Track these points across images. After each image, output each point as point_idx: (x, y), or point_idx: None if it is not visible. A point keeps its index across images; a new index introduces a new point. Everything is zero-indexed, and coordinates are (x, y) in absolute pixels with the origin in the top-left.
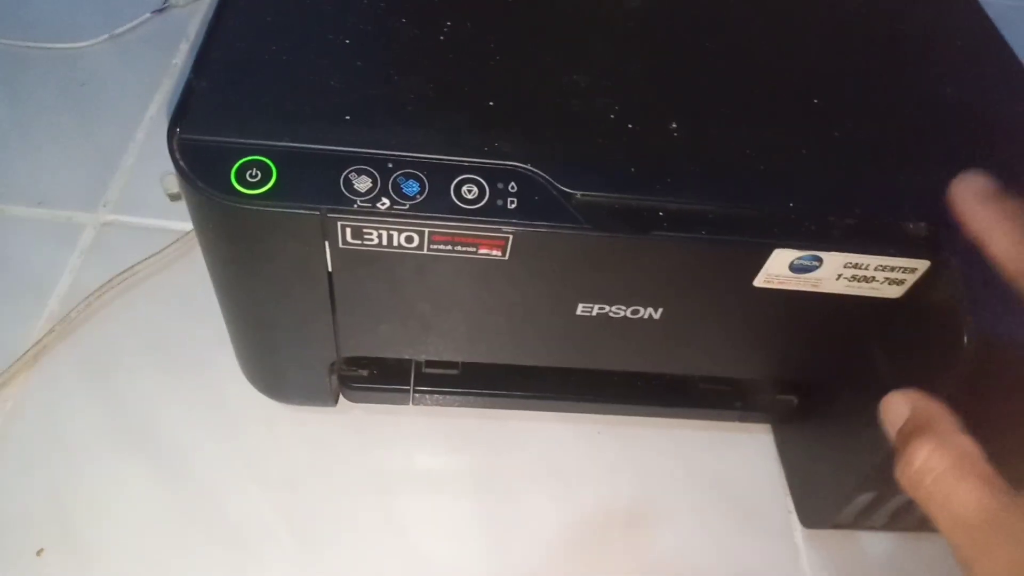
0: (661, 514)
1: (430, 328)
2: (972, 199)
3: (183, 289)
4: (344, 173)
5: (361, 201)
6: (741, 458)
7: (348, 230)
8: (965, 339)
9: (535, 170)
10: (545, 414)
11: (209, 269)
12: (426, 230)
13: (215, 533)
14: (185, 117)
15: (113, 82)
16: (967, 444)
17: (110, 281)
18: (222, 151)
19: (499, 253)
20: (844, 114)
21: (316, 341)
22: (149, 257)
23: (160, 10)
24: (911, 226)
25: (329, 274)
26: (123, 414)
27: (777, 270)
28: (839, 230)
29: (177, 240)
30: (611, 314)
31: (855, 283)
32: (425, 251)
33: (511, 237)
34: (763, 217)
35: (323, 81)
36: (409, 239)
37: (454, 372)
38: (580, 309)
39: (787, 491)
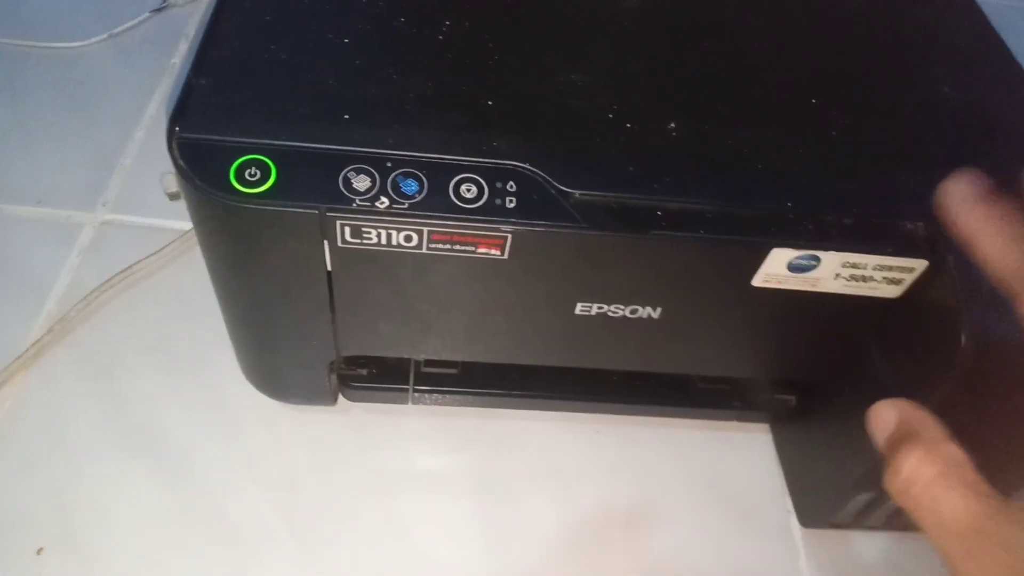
0: (660, 514)
1: (429, 327)
2: (961, 200)
3: (182, 288)
4: (343, 172)
5: (360, 200)
6: (740, 458)
7: (347, 229)
8: (963, 339)
9: (534, 169)
10: (544, 414)
11: (208, 268)
12: (425, 229)
13: (215, 532)
14: (184, 116)
15: (112, 81)
16: (955, 452)
17: (109, 280)
18: (221, 150)
19: (498, 252)
20: (842, 114)
21: (315, 340)
22: (148, 256)
23: (159, 9)
24: (909, 226)
25: (328, 273)
26: (122, 414)
27: (775, 270)
28: (837, 230)
29: (176, 239)
30: (610, 313)
31: (853, 283)
32: (424, 250)
33: (510, 236)
34: (761, 217)
35: (322, 80)
36: (408, 238)
37: (453, 371)
38: (579, 308)
39: (786, 491)
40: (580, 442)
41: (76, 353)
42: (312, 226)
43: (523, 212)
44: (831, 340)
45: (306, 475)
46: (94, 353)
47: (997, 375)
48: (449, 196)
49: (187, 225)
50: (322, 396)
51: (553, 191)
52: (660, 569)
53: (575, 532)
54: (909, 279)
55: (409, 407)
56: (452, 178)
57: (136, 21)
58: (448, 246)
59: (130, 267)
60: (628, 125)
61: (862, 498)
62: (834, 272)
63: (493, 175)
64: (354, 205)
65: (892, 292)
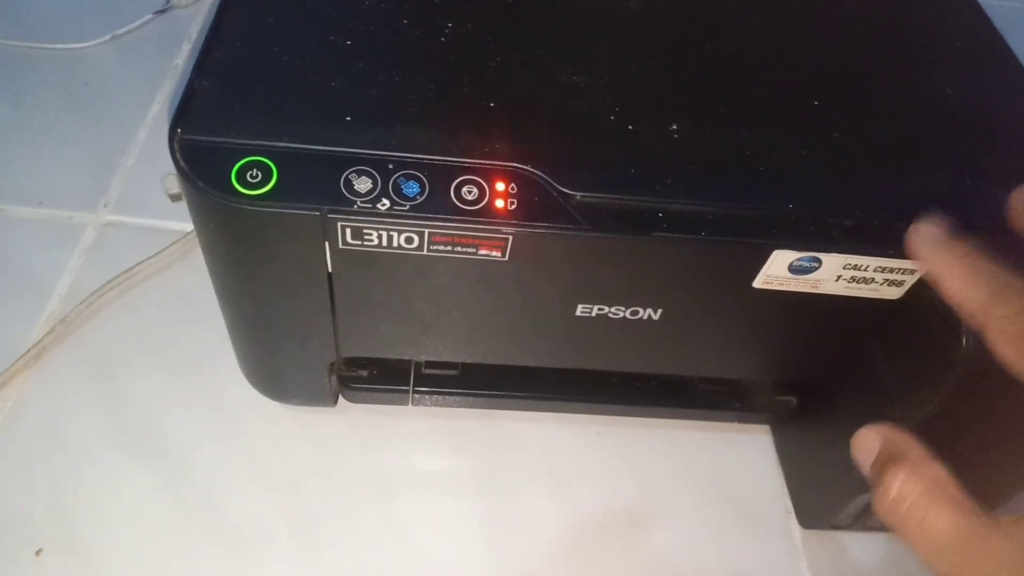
0: (660, 514)
1: (430, 329)
2: (925, 244)
3: (183, 289)
4: (344, 174)
5: (361, 202)
6: (740, 459)
7: (348, 231)
8: (964, 340)
9: (535, 171)
10: (544, 415)
11: (209, 269)
12: (426, 231)
13: (214, 533)
14: (186, 117)
15: (115, 82)
16: (938, 471)
17: (111, 281)
18: (223, 151)
19: (499, 254)
20: (844, 115)
21: (316, 341)
22: (150, 257)
23: (162, 11)
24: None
25: (329, 275)
26: (123, 414)
27: (776, 271)
28: (839, 231)
29: (178, 240)
30: (610, 315)
31: (854, 284)
32: (425, 252)
33: (511, 238)
34: (763, 218)
35: (324, 82)
36: (409, 240)
37: (454, 373)
38: (580, 310)
39: (786, 492)
40: (580, 443)
41: (77, 354)
42: (313, 228)
43: (524, 214)
44: (832, 342)
45: (306, 476)
46: (95, 354)
47: (997, 376)
48: (450, 198)
49: (189, 226)
50: (322, 397)
51: (554, 193)
52: (660, 570)
53: (575, 533)
54: (910, 281)
55: (409, 408)
56: (453, 180)
57: (139, 22)
58: (449, 248)
59: (132, 268)
60: (629, 127)
61: (862, 499)
62: (835, 274)
63: (494, 177)
64: (355, 207)
65: (893, 294)
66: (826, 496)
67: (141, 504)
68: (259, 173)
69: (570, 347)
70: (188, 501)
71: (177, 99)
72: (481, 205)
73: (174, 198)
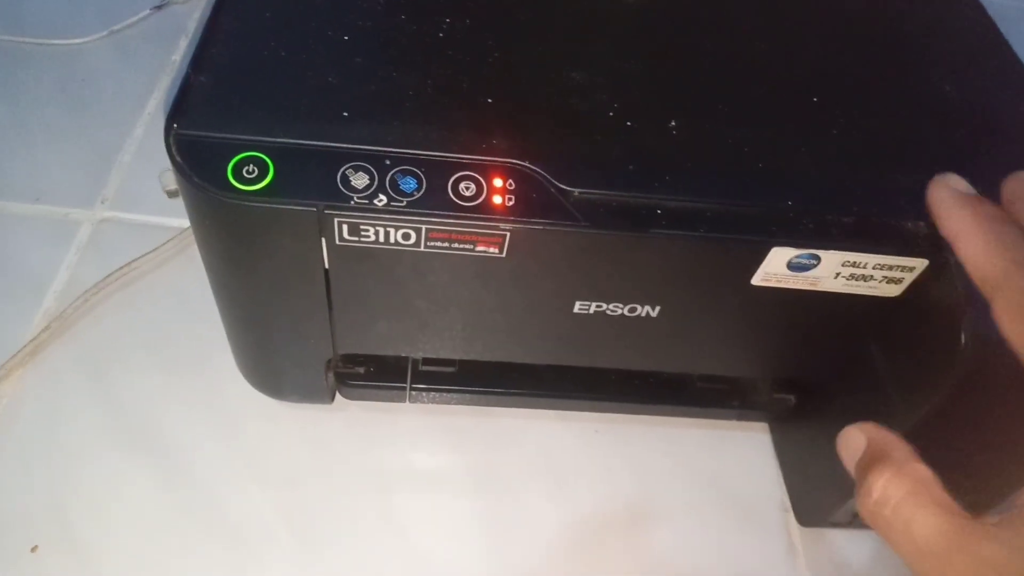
0: (659, 512)
1: (427, 325)
2: (947, 201)
3: (180, 286)
4: (341, 169)
5: (358, 198)
6: (739, 457)
7: (345, 227)
8: (963, 338)
9: (533, 167)
10: (543, 412)
11: (206, 266)
12: (423, 227)
13: (213, 531)
14: (182, 113)
15: (112, 78)
16: (923, 471)
17: (107, 278)
18: (219, 147)
19: (496, 251)
20: (843, 113)
21: (312, 338)
22: (146, 254)
23: (159, 7)
24: (909, 225)
25: (326, 271)
26: (120, 411)
27: (775, 268)
28: (837, 229)
29: (174, 237)
30: (608, 312)
31: (853, 282)
32: (422, 248)
33: (508, 235)
34: (761, 215)
35: (321, 77)
36: (406, 236)
37: (451, 370)
38: (577, 307)
39: (784, 489)
40: (579, 441)
41: (74, 350)
42: (310, 224)
43: (522, 210)
44: (831, 339)
45: (304, 473)
46: (92, 350)
47: (997, 374)
48: (448, 194)
49: (186, 223)
50: (319, 394)
51: (552, 189)
52: (659, 568)
53: (574, 531)
54: (909, 278)
55: (407, 405)
56: (451, 176)
57: (136, 18)
58: (446, 244)
59: (128, 264)
60: (628, 123)
61: None
62: (834, 271)
63: (492, 173)
64: (352, 203)
65: (892, 291)
66: (824, 494)
67: (138, 502)
68: (255, 169)
69: (568, 344)
70: (185, 498)
71: (174, 95)
72: (479, 201)
73: (171, 194)
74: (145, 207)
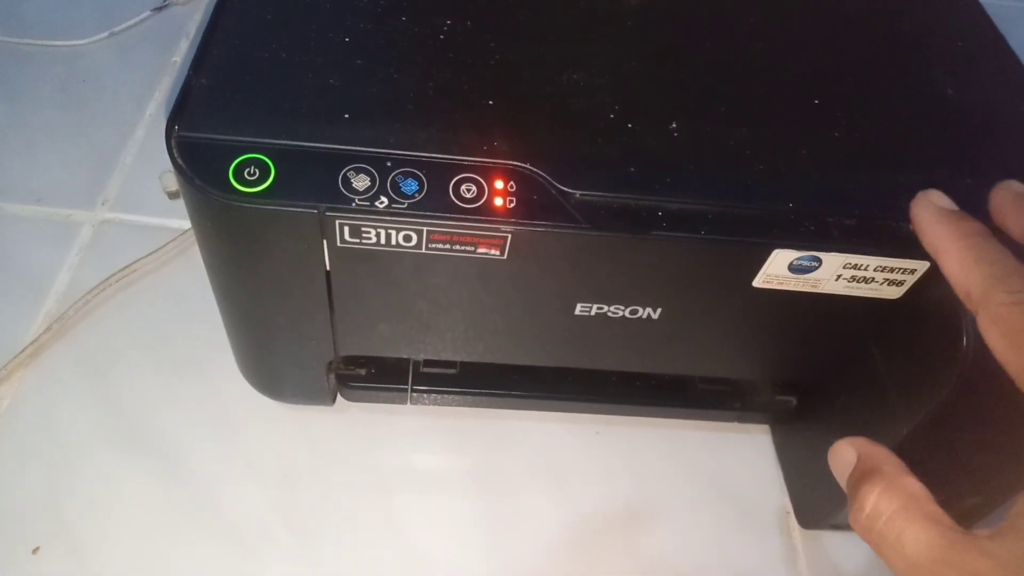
0: (660, 514)
1: (428, 327)
2: (928, 217)
3: (181, 287)
4: (342, 171)
5: (359, 200)
6: (739, 458)
7: (346, 229)
8: (964, 341)
9: (534, 169)
10: (543, 414)
11: (207, 267)
12: (424, 229)
13: (212, 531)
14: (183, 115)
15: (112, 80)
16: (914, 485)
17: (108, 279)
18: (220, 149)
19: (497, 252)
20: (844, 114)
21: (314, 340)
22: (147, 255)
23: (160, 8)
24: (911, 227)
25: (327, 273)
26: (120, 412)
27: (776, 270)
28: (839, 231)
29: (175, 238)
30: (610, 314)
31: (854, 284)
32: (423, 250)
33: (509, 236)
34: (763, 217)
35: (322, 79)
36: (407, 238)
37: (452, 371)
38: (579, 309)
39: (785, 492)
40: (580, 442)
41: (74, 351)
42: (311, 225)
43: (523, 212)
44: (832, 341)
45: (305, 474)
46: (92, 352)
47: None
48: (449, 196)
49: (186, 224)
50: (320, 396)
51: (553, 191)
52: (659, 569)
53: (574, 532)
54: (911, 280)
55: (408, 407)
56: (452, 178)
57: (137, 19)
58: (447, 246)
59: (129, 266)
60: (629, 125)
61: None
62: (835, 273)
63: (493, 175)
64: (353, 204)
65: (893, 293)
66: (825, 496)
67: (139, 502)
68: (257, 170)
69: (569, 346)
70: (186, 499)
71: (175, 96)
72: (480, 203)
73: (172, 196)
74: (146, 208)
